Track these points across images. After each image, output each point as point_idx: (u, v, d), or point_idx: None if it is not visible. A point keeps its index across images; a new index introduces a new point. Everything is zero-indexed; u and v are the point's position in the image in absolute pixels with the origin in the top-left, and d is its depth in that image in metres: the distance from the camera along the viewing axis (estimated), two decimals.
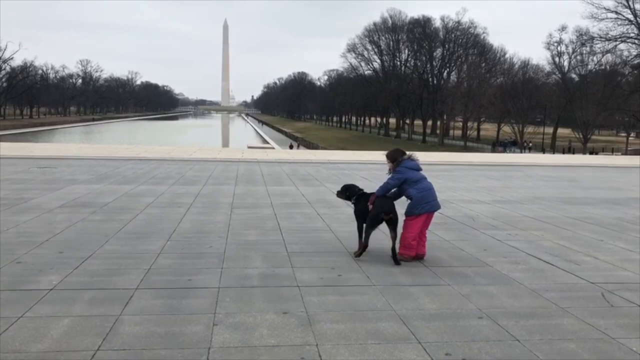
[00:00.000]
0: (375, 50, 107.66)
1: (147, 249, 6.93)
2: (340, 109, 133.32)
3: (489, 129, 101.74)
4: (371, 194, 7.03)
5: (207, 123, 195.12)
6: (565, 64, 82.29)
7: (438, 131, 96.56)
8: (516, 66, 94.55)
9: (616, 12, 53.88)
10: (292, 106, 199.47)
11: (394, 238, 6.61)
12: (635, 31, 54.37)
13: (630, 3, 52.56)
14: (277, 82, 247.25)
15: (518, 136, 79.16)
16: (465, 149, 77.45)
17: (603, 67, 69.56)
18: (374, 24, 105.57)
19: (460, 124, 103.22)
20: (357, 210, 7.18)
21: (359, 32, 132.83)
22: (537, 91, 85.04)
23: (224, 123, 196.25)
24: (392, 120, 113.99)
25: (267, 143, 75.17)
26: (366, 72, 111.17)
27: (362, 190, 7.33)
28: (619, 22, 54.56)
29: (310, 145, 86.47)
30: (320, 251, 7.05)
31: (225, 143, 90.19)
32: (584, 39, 60.86)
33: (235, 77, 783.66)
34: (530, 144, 79.00)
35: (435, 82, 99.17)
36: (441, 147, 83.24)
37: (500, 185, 15.57)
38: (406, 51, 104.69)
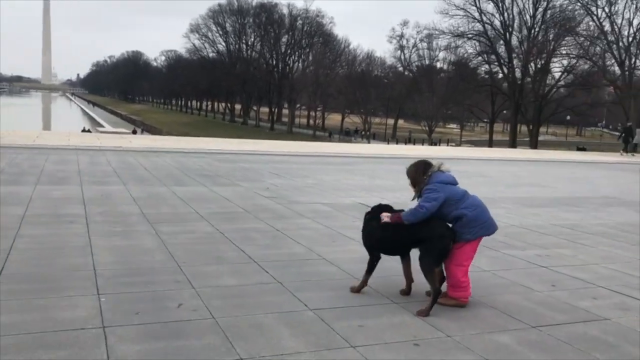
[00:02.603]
0: (221, 32, 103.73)
1: (72, 318, 3.96)
2: (182, 92, 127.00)
3: (332, 119, 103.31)
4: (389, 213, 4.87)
5: (26, 102, 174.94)
6: (409, 57, 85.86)
7: (286, 119, 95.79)
8: (360, 57, 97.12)
9: (464, 10, 56.67)
10: (125, 87, 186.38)
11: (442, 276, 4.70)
12: (481, 29, 57.76)
13: (477, 2, 55.58)
14: (108, 60, 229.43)
15: (366, 126, 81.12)
16: (315, 137, 77.51)
17: (447, 62, 73.72)
18: (219, 5, 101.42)
19: (305, 112, 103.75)
20: (364, 237, 4.94)
21: (202, 12, 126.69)
22: (380, 82, 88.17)
23: (46, 103, 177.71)
24: (239, 107, 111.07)
25: (102, 126, 68.05)
26: (210, 55, 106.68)
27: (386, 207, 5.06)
28: (468, 19, 57.49)
29: (153, 130, 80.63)
30: (354, 305, 4.62)
31: (47, 125, 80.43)
32: (436, 33, 63.38)
33: (59, 53, 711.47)
34: (368, 133, 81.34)
35: (281, 68, 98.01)
36: (290, 135, 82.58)
37: None
38: (253, 35, 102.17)
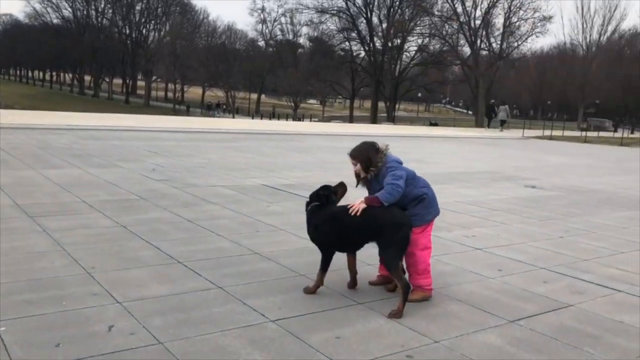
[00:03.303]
0: None
1: None
2: (20, 61, 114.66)
3: (192, 92, 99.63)
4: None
5: None
6: (271, 31, 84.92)
7: (142, 91, 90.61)
8: (220, 29, 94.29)
9: None
10: None
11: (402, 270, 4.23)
12: (344, 5, 58.49)
13: None
14: None
15: (229, 100, 79.37)
16: (175, 111, 74.25)
17: (308, 38, 73.90)
18: None
19: (163, 84, 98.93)
20: (312, 232, 4.41)
21: None
22: (243, 56, 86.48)
23: None
24: (89, 78, 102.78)
25: None
26: (55, 21, 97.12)
27: (330, 192, 4.50)
28: None
29: None
30: (318, 310, 4.02)
31: None
32: (300, 7, 62.98)
33: None
34: (230, 108, 79.81)
35: (136, 37, 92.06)
36: (147, 108, 78.30)
37: (315, 159, 13.72)
38: (103, 1, 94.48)
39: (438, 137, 26.36)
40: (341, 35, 62.22)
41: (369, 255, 4.73)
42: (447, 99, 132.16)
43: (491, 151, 20.70)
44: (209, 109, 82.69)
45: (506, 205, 8.93)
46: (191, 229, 6.10)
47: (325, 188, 4.43)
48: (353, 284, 4.48)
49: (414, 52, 64.27)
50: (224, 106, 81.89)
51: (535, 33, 55.40)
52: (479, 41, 56.37)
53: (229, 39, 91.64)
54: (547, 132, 33.08)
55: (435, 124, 59.01)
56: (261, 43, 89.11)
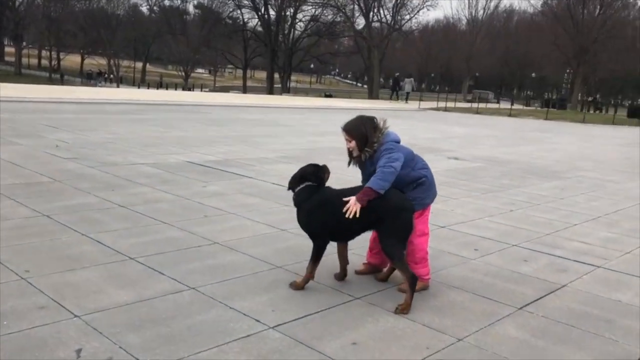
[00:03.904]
0: None
1: None
2: None
3: (70, 60, 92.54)
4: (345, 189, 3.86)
5: None
6: None
7: (13, 58, 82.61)
8: None
9: None
10: None
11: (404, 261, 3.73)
12: None
13: None
14: None
15: (112, 69, 74.67)
16: (51, 80, 68.63)
17: (194, 5, 70.93)
18: None
19: (36, 50, 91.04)
20: (305, 221, 3.84)
21: None
22: (127, 22, 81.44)
23: None
24: None
25: None
26: None
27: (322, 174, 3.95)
28: None
29: None
30: (316, 309, 3.51)
31: None
32: None
33: None
34: (112, 76, 75.44)
35: None
36: (20, 77, 71.70)
37: (233, 132, 12.95)
38: None
39: (341, 109, 26.22)
40: (232, 2, 60.20)
41: (351, 241, 4.27)
42: (337, 70, 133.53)
43: (397, 123, 20.82)
44: (89, 78, 77.29)
45: (442, 179, 8.78)
46: (129, 216, 5.28)
47: (315, 167, 3.88)
48: (343, 275, 4.02)
49: (307, 21, 63.78)
50: (106, 75, 77.04)
51: (425, 6, 56.91)
52: (371, 14, 56.95)
53: (110, 3, 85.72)
54: (442, 104, 34.19)
55: (330, 96, 59.24)
56: (144, 8, 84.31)
